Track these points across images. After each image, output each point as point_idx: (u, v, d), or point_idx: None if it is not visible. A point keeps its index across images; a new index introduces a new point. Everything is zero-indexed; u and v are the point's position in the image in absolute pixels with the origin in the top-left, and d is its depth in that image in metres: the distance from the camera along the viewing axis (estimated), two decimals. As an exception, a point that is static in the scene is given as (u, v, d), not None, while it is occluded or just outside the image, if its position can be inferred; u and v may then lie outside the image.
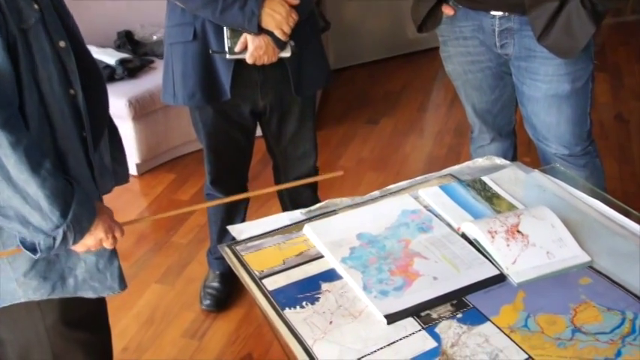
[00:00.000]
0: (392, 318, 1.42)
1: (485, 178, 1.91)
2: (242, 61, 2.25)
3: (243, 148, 2.58)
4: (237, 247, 1.68)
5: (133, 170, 3.85)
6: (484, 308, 1.45)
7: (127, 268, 1.74)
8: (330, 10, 4.66)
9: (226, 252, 1.68)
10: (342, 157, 4.05)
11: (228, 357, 2.63)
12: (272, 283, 1.55)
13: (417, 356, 1.34)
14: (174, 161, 4.02)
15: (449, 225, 1.72)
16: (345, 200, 1.86)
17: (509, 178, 1.91)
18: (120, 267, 1.71)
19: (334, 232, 1.69)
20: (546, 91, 2.35)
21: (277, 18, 2.16)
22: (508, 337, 1.37)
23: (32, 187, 1.41)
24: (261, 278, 1.57)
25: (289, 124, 2.51)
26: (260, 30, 2.17)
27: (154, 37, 4.17)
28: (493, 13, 2.30)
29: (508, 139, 2.72)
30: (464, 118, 2.85)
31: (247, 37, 2.20)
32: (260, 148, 2.77)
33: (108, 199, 1.77)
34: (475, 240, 1.63)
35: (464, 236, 1.66)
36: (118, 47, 4.12)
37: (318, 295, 1.51)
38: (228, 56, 2.24)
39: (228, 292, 2.87)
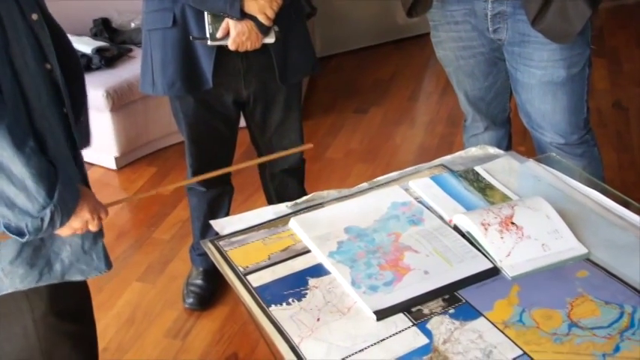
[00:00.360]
0: (382, 314, 1.42)
1: (478, 168, 1.91)
2: (224, 48, 2.25)
3: (226, 139, 2.58)
4: (221, 243, 1.68)
5: (111, 164, 3.85)
6: (477, 303, 1.45)
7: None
8: (316, -5, 4.66)
9: (209, 248, 1.68)
10: (329, 148, 4.05)
11: (213, 357, 2.63)
12: (257, 280, 1.55)
13: (408, 353, 1.34)
14: (155, 154, 4.01)
15: (440, 217, 1.72)
16: (333, 193, 1.86)
17: (503, 168, 1.92)
18: (104, 246, 1.72)
19: (321, 226, 1.69)
20: (541, 77, 2.35)
21: (260, 2, 2.16)
22: (502, 332, 1.37)
23: (17, 165, 1.40)
24: (245, 274, 1.57)
25: (274, 113, 2.51)
26: (243, 15, 2.16)
27: (132, 25, 4.16)
28: (485, -5, 2.30)
29: (502, 128, 2.73)
30: (456, 106, 2.85)
31: (229, 23, 2.19)
32: (244, 139, 2.76)
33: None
34: (468, 232, 1.63)
35: (456, 229, 1.67)
36: (95, 35, 4.11)
37: (305, 292, 1.51)
38: (209, 43, 2.23)
39: (212, 290, 2.87)
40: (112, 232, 3.27)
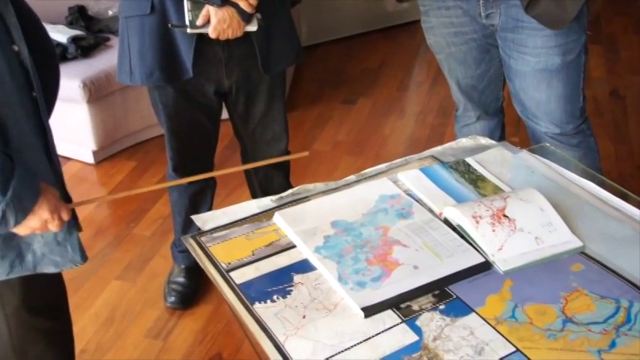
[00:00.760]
0: (369, 311, 1.43)
1: (469, 160, 1.92)
2: (205, 36, 2.24)
3: (208, 131, 2.58)
4: (203, 239, 1.68)
5: (89, 158, 3.83)
6: (468, 299, 1.45)
7: (83, 264, 1.74)
8: (301, -19, 4.65)
9: (190, 244, 1.68)
10: (316, 140, 4.05)
11: (196, 357, 2.63)
12: (240, 276, 1.55)
13: (397, 351, 1.34)
14: (135, 148, 4.00)
15: (430, 210, 1.73)
16: (319, 186, 1.87)
17: (495, 159, 1.92)
18: (79, 238, 1.70)
19: (307, 220, 1.69)
20: (535, 65, 2.36)
21: (242, -12, 2.16)
22: (494, 329, 1.38)
23: None
24: (228, 271, 1.57)
25: (257, 104, 2.50)
26: (223, 1, 2.16)
27: (110, 13, 4.14)
28: (477, -21, 2.31)
29: (495, 118, 2.73)
30: (447, 97, 2.86)
31: (210, 10, 2.18)
32: (227, 131, 2.76)
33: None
34: (458, 226, 1.63)
35: (446, 222, 1.67)
36: (70, 24, 4.09)
37: (290, 288, 1.51)
38: (189, 30, 2.22)
39: (194, 288, 2.88)
40: (90, 229, 3.26)
